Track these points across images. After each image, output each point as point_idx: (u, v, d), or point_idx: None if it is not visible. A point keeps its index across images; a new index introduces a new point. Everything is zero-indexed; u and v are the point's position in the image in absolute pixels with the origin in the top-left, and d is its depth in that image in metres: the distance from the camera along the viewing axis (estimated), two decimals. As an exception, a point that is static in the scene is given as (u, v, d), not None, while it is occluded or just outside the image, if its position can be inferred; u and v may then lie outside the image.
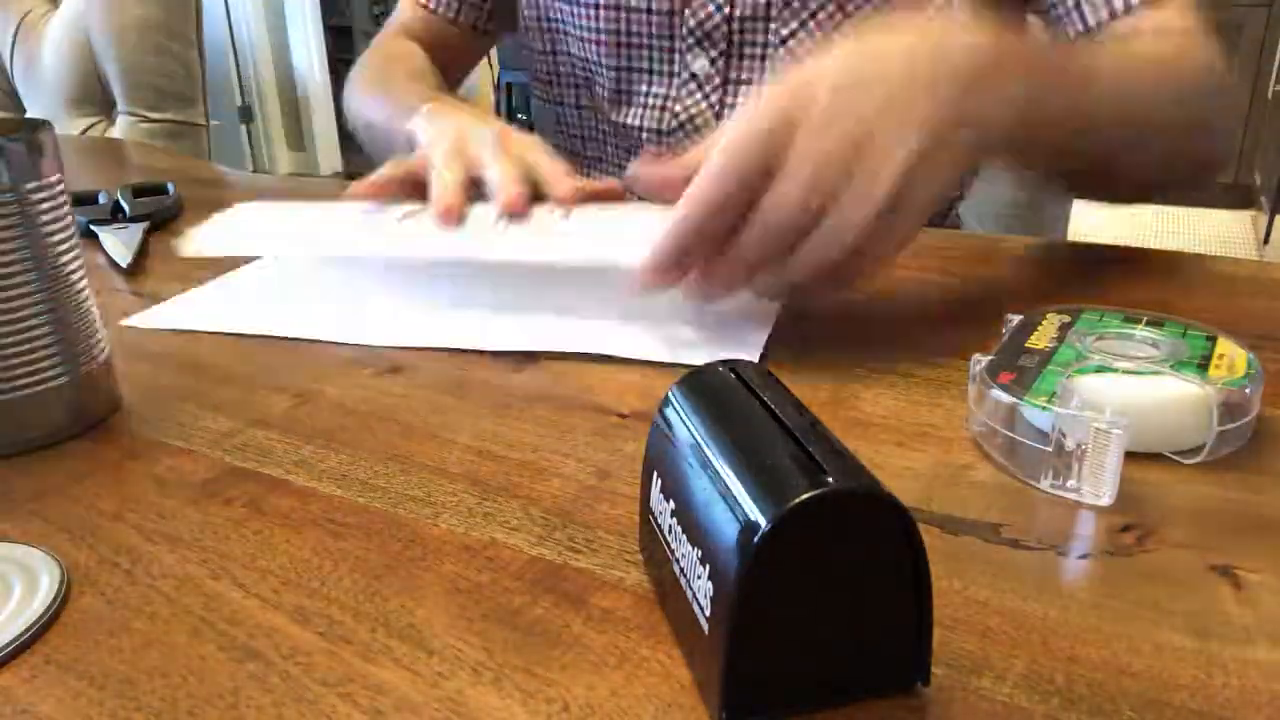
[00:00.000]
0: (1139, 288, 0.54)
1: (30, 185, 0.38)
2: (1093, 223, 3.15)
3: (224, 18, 4.24)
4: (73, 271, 0.41)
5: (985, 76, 0.45)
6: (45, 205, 0.39)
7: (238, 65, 4.42)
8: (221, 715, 0.26)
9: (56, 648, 0.29)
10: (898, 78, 0.43)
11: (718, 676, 0.24)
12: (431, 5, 0.90)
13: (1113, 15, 0.64)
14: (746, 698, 0.25)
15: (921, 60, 0.44)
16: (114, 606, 0.31)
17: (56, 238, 0.40)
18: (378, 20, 5.80)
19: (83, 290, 0.41)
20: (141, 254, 0.66)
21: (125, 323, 0.42)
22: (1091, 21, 0.65)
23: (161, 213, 0.73)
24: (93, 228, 0.69)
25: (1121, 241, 0.61)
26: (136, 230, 0.68)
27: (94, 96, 1.37)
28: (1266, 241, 3.09)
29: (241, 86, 4.47)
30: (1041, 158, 0.54)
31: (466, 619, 0.30)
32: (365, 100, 0.84)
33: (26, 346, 0.39)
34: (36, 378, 0.40)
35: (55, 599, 0.31)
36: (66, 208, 0.40)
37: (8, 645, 0.29)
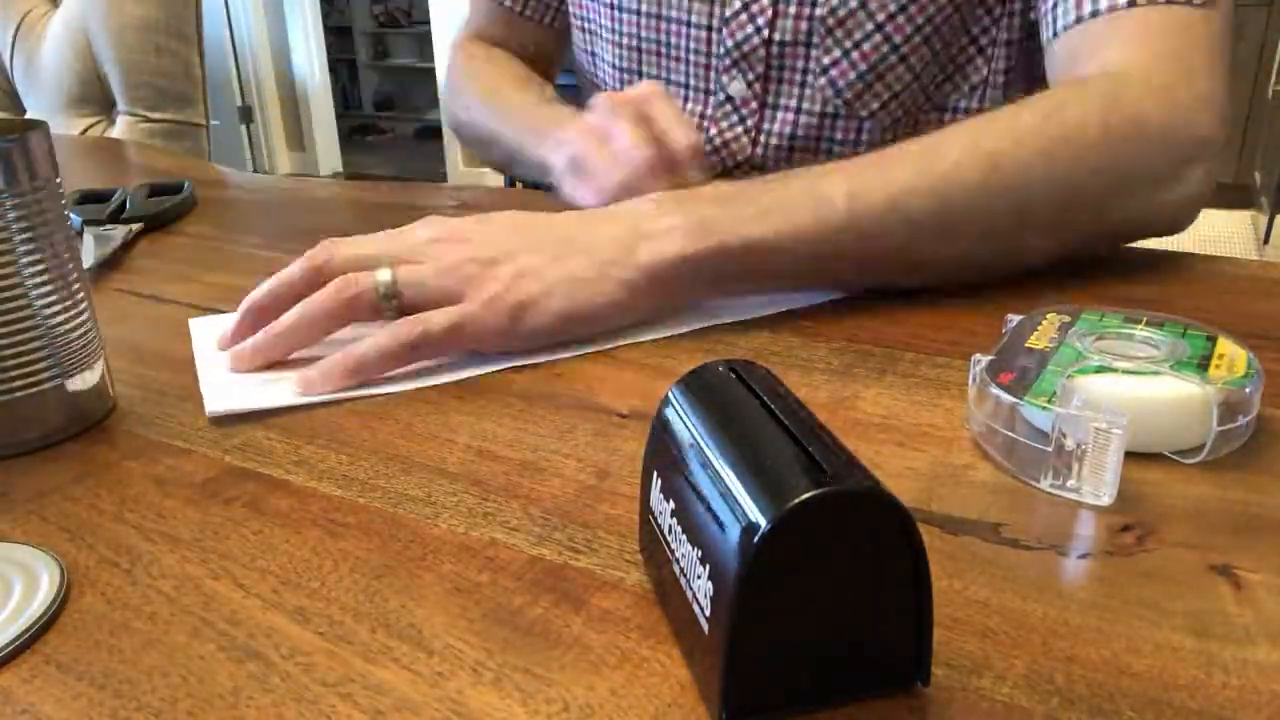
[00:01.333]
0: (1139, 287, 0.54)
1: (25, 186, 0.38)
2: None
3: (224, 18, 4.24)
4: (69, 273, 0.40)
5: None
6: (41, 206, 0.39)
7: (238, 65, 4.42)
8: (221, 715, 0.26)
9: (56, 648, 0.29)
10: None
11: (718, 676, 0.24)
12: (507, 2, 0.89)
13: (1079, 20, 0.59)
14: (746, 698, 0.25)
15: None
16: (114, 606, 0.31)
17: (53, 239, 0.40)
18: (378, 20, 5.81)
19: (79, 292, 0.41)
20: (121, 254, 0.66)
21: (210, 409, 0.42)
22: (1061, 25, 0.60)
23: (166, 212, 0.73)
24: (85, 226, 0.69)
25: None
26: (121, 231, 0.68)
27: (94, 96, 1.37)
28: (1266, 241, 3.09)
29: (241, 86, 4.47)
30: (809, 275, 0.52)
31: (466, 619, 0.30)
32: (483, 111, 0.83)
33: (22, 348, 0.39)
34: (31, 379, 0.40)
35: (55, 599, 0.31)
36: (62, 209, 0.40)
37: (8, 645, 0.29)
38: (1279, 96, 3.23)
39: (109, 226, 0.69)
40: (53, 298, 0.40)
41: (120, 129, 1.36)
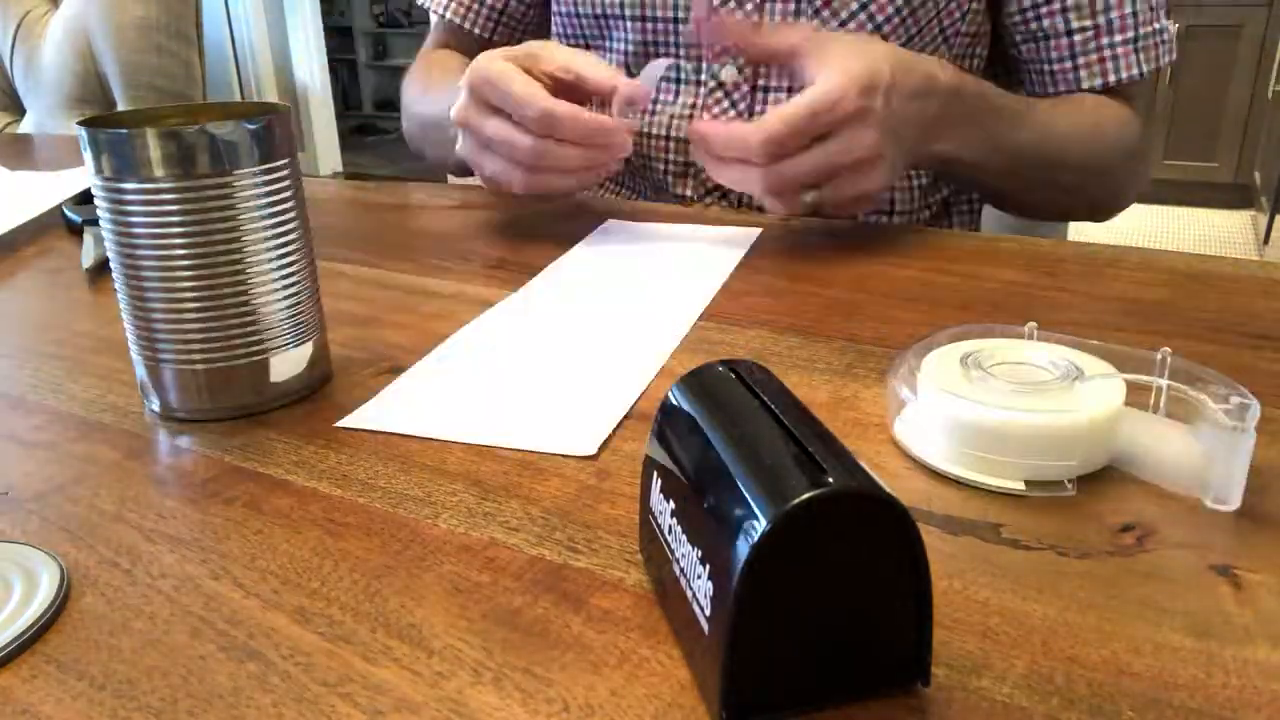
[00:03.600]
0: (1139, 288, 0.54)
1: (273, 163, 0.40)
2: (1094, 223, 3.15)
3: (224, 18, 4.24)
4: (306, 245, 0.43)
5: (947, 117, 0.64)
6: (287, 183, 0.41)
7: (238, 65, 4.42)
8: (221, 715, 0.26)
9: (56, 648, 0.29)
10: (924, 116, 0.62)
11: (718, 676, 0.24)
12: (447, 14, 0.91)
13: (1105, 87, 0.76)
14: (746, 698, 0.25)
15: (932, 101, 0.63)
16: (114, 606, 0.31)
17: (297, 212, 0.42)
18: (378, 20, 5.81)
19: (311, 263, 0.44)
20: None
21: (340, 424, 0.42)
22: (1085, 86, 0.76)
23: None
24: (85, 226, 0.68)
25: (1121, 241, 0.61)
26: None
27: (94, 96, 1.37)
28: (1266, 241, 3.09)
29: (241, 86, 4.47)
30: (966, 173, 0.72)
31: (466, 619, 0.30)
32: (417, 101, 0.86)
33: (274, 313, 0.42)
34: (279, 341, 0.42)
35: (55, 599, 0.31)
36: (301, 185, 0.43)
37: (8, 645, 0.29)
38: (1279, 97, 3.23)
39: None
40: (296, 266, 0.42)
41: (120, 129, 1.35)
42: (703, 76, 0.78)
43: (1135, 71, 0.74)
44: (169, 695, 0.27)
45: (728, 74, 0.77)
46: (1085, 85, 0.75)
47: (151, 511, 0.36)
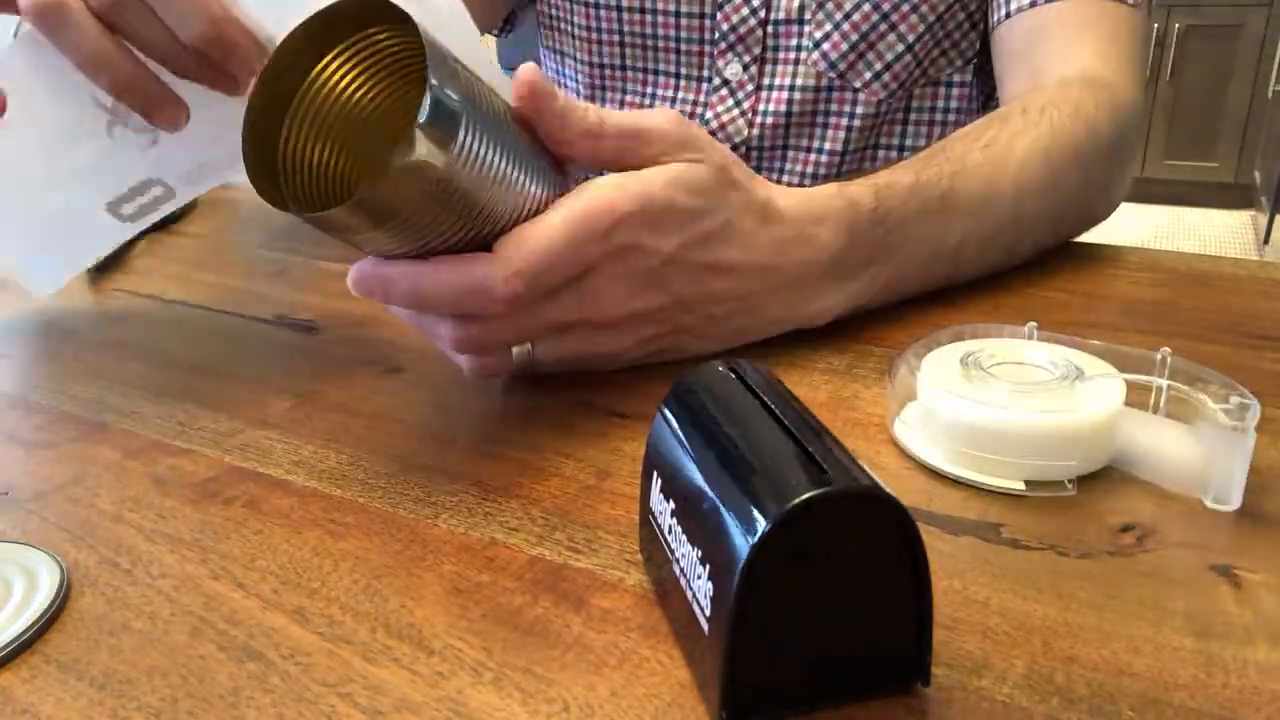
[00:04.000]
0: (1139, 288, 0.54)
1: None
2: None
3: (224, 18, 4.23)
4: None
5: (839, 278, 0.47)
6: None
7: (238, 65, 4.40)
8: (221, 715, 0.26)
9: (56, 648, 0.29)
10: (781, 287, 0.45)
11: (718, 676, 0.24)
12: None
13: (1034, 3, 0.65)
14: (746, 698, 0.25)
15: (803, 275, 0.45)
16: (114, 606, 0.31)
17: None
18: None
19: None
20: (122, 254, 0.66)
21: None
22: (1013, 7, 0.66)
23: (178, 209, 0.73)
24: None
25: (1122, 242, 0.61)
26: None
27: (94, 96, 1.37)
28: (1266, 241, 3.09)
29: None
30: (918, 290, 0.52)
31: (466, 619, 0.30)
32: None
33: None
34: None
35: (55, 599, 0.31)
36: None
37: (8, 645, 0.29)
38: (1279, 96, 3.23)
39: None
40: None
41: (120, 129, 1.35)
42: (705, 72, 0.76)
43: None
44: (169, 695, 0.27)
45: (732, 71, 0.75)
46: (1012, 6, 0.66)
47: (151, 511, 0.36)
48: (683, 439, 0.28)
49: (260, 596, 0.31)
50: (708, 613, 0.25)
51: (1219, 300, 0.52)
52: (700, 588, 0.25)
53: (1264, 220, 3.11)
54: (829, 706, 0.26)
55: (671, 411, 0.29)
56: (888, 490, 0.24)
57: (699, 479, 0.26)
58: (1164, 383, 0.37)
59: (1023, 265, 0.57)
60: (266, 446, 0.40)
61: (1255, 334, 0.47)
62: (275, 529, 0.34)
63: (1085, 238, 0.62)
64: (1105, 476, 0.36)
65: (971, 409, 0.35)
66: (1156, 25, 3.40)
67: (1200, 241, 3.29)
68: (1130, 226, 3.36)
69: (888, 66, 0.73)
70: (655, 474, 0.29)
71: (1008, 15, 0.67)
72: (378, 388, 0.45)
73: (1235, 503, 0.33)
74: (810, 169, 0.77)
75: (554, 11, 0.82)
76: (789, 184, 0.78)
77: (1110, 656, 0.27)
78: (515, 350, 0.41)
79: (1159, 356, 0.37)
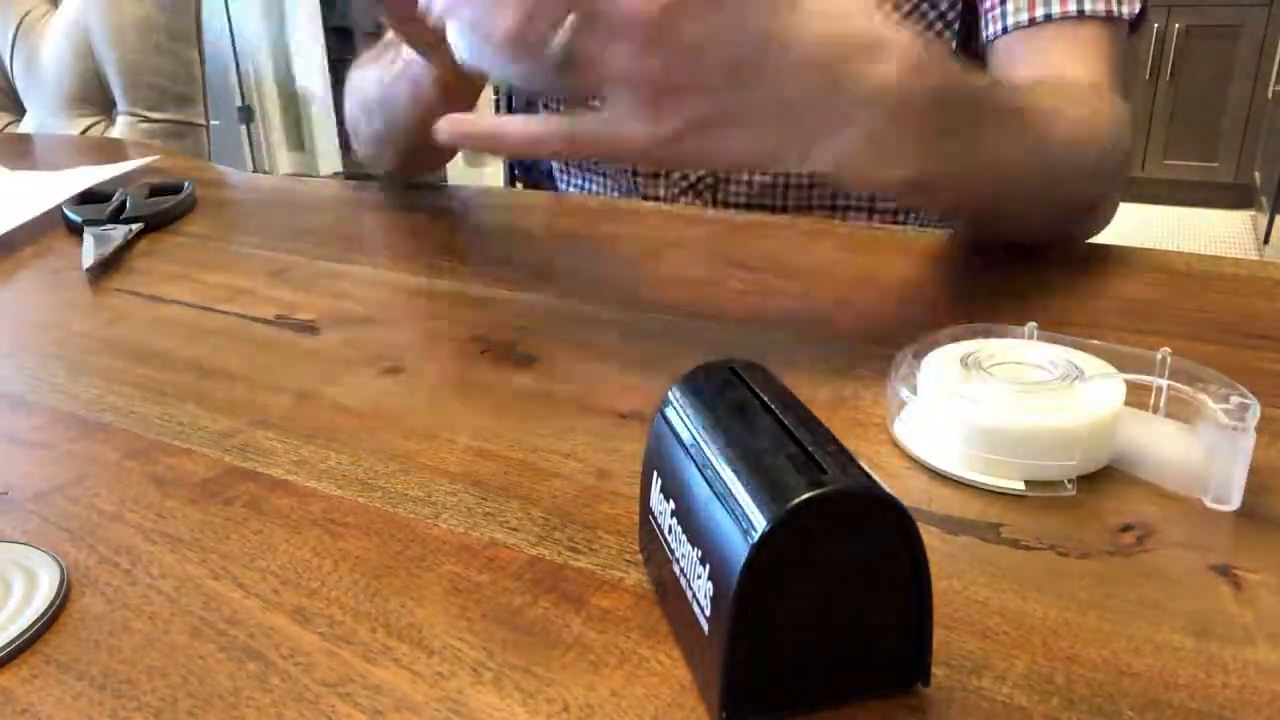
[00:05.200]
0: (1139, 288, 0.54)
1: None
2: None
3: (224, 18, 4.24)
4: None
5: (909, 106, 0.42)
6: None
7: (238, 65, 4.42)
8: (221, 715, 0.26)
9: (56, 648, 0.29)
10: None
11: (718, 676, 0.24)
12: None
13: (1032, 22, 0.66)
14: (746, 698, 0.25)
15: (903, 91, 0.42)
16: (114, 606, 0.31)
17: None
18: (378, 20, 5.80)
19: None
20: (122, 254, 0.66)
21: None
22: (1010, 23, 0.67)
23: (166, 212, 0.73)
24: (85, 226, 0.69)
25: (1122, 242, 0.61)
26: (121, 231, 0.68)
27: (94, 96, 1.37)
28: (1266, 241, 3.09)
29: (241, 86, 4.47)
30: (949, 193, 0.52)
31: (466, 619, 0.30)
32: (358, 89, 0.80)
33: None
34: None
35: (55, 599, 0.31)
36: None
37: (8, 645, 0.29)
38: (1279, 96, 3.23)
39: (109, 226, 0.69)
40: None
41: (120, 129, 1.36)
42: None
43: (1072, 8, 0.65)
44: (169, 695, 0.27)
45: None
46: (1010, 22, 0.67)
47: (151, 511, 0.36)
48: (683, 439, 0.28)
49: (260, 596, 0.31)
50: (708, 613, 0.25)
51: (1219, 300, 0.52)
52: (700, 588, 0.25)
53: (1264, 220, 3.11)
54: (829, 706, 0.26)
55: (671, 411, 0.29)
56: (888, 490, 0.24)
57: (699, 479, 0.26)
58: (1164, 383, 0.37)
59: (1023, 265, 0.57)
60: (266, 446, 0.40)
61: (1255, 334, 0.47)
62: (275, 529, 0.34)
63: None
64: (1105, 476, 0.36)
65: (971, 409, 0.35)
66: (1156, 25, 3.40)
67: (1200, 241, 3.29)
68: (1130, 226, 3.36)
69: None
70: (655, 474, 0.29)
71: (1005, 30, 0.68)
72: (378, 388, 0.45)
73: (1235, 503, 0.33)
74: (783, 174, 0.77)
75: None
76: (761, 184, 0.78)
77: (1110, 656, 0.27)
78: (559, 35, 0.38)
79: (1159, 356, 0.37)
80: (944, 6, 0.73)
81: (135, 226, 0.70)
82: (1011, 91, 0.56)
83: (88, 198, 0.76)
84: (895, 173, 0.44)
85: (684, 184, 0.79)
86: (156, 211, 0.73)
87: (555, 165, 0.91)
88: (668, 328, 0.51)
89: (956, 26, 0.74)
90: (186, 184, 0.78)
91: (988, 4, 0.69)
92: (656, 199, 0.80)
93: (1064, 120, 0.57)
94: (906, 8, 0.72)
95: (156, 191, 0.77)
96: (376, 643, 0.29)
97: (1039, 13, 0.66)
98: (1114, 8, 0.65)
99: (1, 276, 0.64)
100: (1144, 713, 0.25)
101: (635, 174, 0.79)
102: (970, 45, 0.73)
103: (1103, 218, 0.65)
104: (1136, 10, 0.66)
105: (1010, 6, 0.67)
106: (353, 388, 0.45)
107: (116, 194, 0.75)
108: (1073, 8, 0.65)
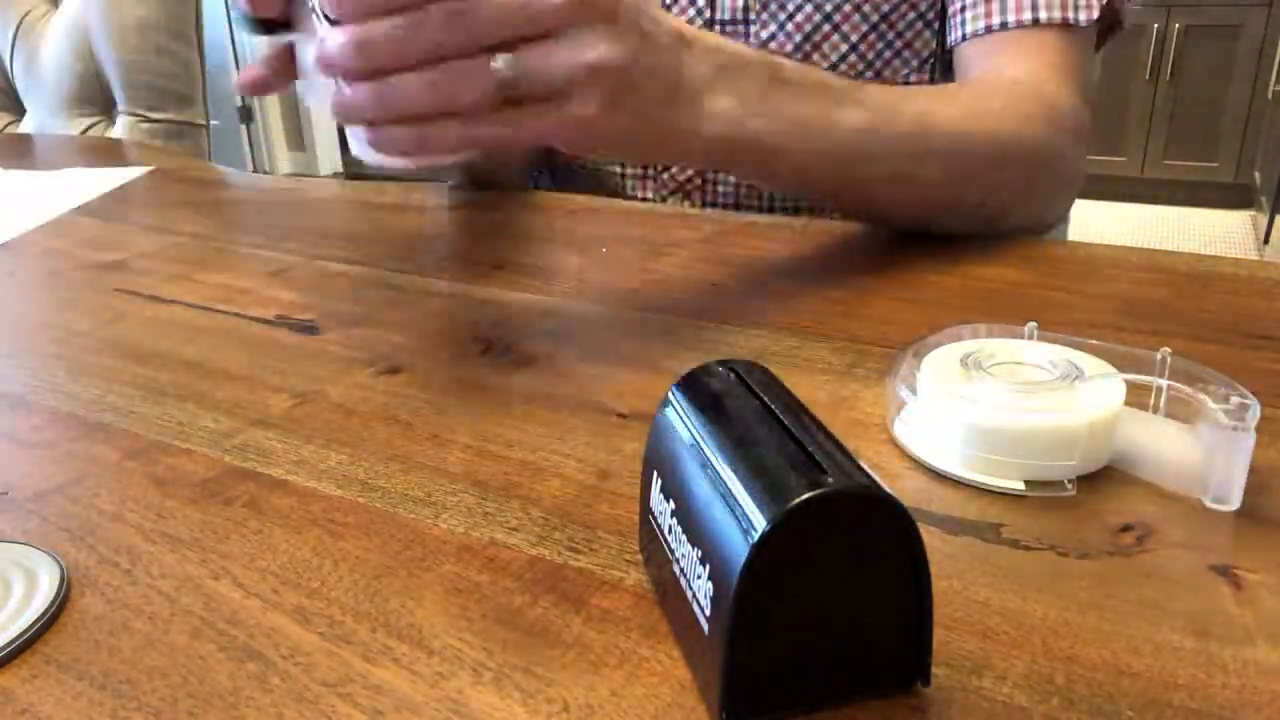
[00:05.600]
0: (1139, 288, 0.54)
1: None
2: (1094, 223, 3.15)
3: (224, 18, 4.24)
4: None
5: (732, 73, 0.48)
6: None
7: (238, 65, 4.41)
8: (221, 715, 0.26)
9: (56, 648, 0.29)
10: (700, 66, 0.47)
11: (718, 676, 0.24)
12: None
13: (989, 30, 0.67)
14: (746, 698, 0.25)
15: (713, 53, 0.47)
16: (114, 606, 0.31)
17: None
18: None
19: None
20: (123, 255, 0.66)
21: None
22: (968, 30, 0.68)
23: None
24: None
25: (1121, 242, 0.61)
26: None
27: (94, 96, 1.37)
28: (1266, 241, 3.09)
29: (241, 86, 4.46)
30: (758, 167, 0.55)
31: (466, 619, 0.30)
32: None
33: None
34: None
35: (55, 599, 0.31)
36: None
37: (8, 645, 0.29)
38: (1279, 96, 3.23)
39: None
40: None
41: (120, 129, 1.36)
42: None
43: (1027, 16, 0.65)
44: (169, 695, 0.27)
45: None
46: (968, 30, 0.68)
47: (151, 511, 0.36)
48: (683, 439, 0.28)
49: (260, 596, 0.31)
50: (708, 613, 0.25)
51: (1219, 300, 0.52)
52: (700, 588, 0.25)
53: (1264, 220, 3.11)
54: (829, 706, 0.26)
55: (671, 411, 0.29)
56: (888, 490, 0.24)
57: (699, 479, 0.26)
58: (1164, 383, 0.37)
59: (1024, 265, 0.57)
60: (266, 446, 0.40)
61: (1255, 334, 0.47)
62: (275, 529, 0.34)
63: (1085, 237, 0.62)
64: (1105, 476, 0.36)
65: (971, 409, 0.35)
66: (1156, 25, 3.40)
67: (1200, 241, 3.29)
68: (1130, 226, 3.36)
69: (833, 67, 0.73)
70: (655, 474, 0.29)
71: (964, 38, 0.69)
72: (378, 388, 0.45)
73: (1235, 503, 0.33)
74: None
75: None
76: (748, 185, 0.78)
77: (1110, 656, 0.27)
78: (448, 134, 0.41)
79: (1159, 356, 0.37)
80: (923, 7, 0.74)
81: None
82: (875, 87, 0.56)
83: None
84: (710, 129, 0.48)
85: (673, 184, 0.79)
86: None
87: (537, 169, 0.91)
88: (668, 328, 0.51)
89: (937, 27, 0.75)
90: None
91: (952, 10, 0.71)
92: (645, 200, 0.80)
93: (957, 116, 0.59)
94: (885, 7, 0.73)
95: None
96: (376, 643, 0.29)
97: (995, 20, 0.67)
98: (1070, 14, 0.66)
99: (2, 276, 0.64)
100: (1144, 713, 0.25)
101: (624, 174, 0.80)
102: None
103: (1025, 212, 0.64)
104: (1094, 15, 0.66)
105: (969, 15, 0.68)
106: (353, 388, 0.45)
107: None
108: (1028, 16, 0.66)
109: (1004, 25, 0.67)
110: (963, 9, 0.69)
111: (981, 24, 0.67)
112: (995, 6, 0.67)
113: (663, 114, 0.46)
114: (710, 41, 0.48)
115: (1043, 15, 0.65)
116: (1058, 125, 0.63)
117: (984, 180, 0.60)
